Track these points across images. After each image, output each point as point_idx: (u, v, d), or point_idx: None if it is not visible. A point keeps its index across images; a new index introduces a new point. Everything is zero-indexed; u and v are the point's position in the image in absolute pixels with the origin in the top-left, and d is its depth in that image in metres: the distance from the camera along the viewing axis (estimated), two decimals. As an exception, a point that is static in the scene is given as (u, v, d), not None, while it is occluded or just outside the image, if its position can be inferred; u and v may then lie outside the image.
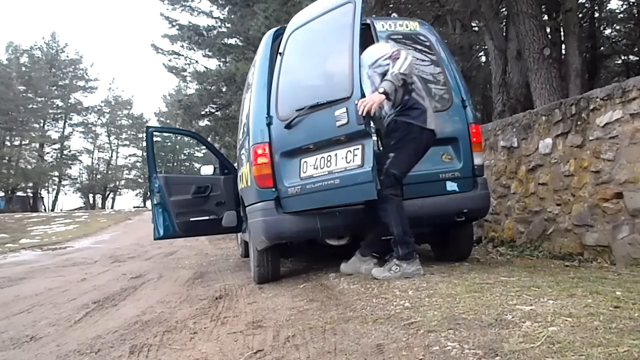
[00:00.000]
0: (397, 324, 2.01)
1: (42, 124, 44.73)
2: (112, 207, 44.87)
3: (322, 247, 3.82)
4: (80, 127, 47.57)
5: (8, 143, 42.08)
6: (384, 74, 3.06)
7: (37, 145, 43.82)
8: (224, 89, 14.65)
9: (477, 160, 3.57)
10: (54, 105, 45.57)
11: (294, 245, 3.93)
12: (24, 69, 42.84)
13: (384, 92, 2.93)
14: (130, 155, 50.30)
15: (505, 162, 5.08)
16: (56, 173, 45.07)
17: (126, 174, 49.86)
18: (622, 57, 13.51)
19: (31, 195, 43.45)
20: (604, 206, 3.64)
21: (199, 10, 16.54)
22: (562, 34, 9.04)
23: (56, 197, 45.76)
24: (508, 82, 8.55)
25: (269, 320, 2.53)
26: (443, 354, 1.60)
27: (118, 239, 13.53)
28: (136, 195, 51.46)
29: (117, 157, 50.01)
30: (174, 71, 17.99)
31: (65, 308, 3.69)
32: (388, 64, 3.07)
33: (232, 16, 14.97)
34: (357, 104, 2.91)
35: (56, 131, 46.03)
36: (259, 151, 3.42)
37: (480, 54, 13.43)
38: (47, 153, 45.46)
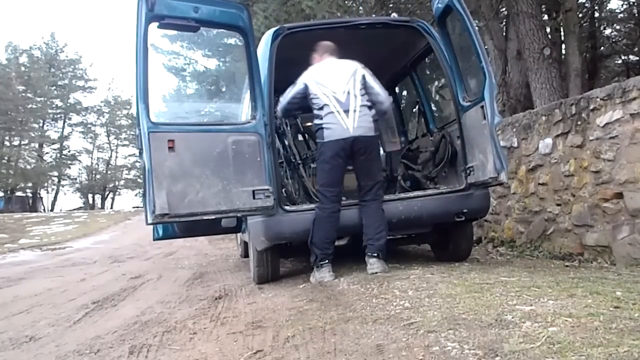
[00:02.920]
0: (397, 324, 2.01)
1: (41, 124, 44.65)
2: (111, 207, 44.77)
3: None
4: (79, 127, 47.49)
5: (7, 143, 42.03)
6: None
7: (37, 145, 43.75)
8: (223, 89, 14.64)
9: None
10: (54, 105, 45.49)
11: (293, 246, 3.92)
12: (23, 68, 42.77)
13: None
14: (129, 155, 50.16)
15: (505, 162, 5.07)
16: (55, 173, 44.99)
17: (125, 174, 49.72)
18: (622, 57, 13.50)
19: (30, 195, 43.38)
20: (604, 206, 3.64)
21: (198, 10, 16.49)
22: (562, 33, 9.03)
23: (55, 197, 45.70)
24: (508, 82, 8.54)
25: (268, 321, 2.52)
26: (443, 354, 1.60)
27: (117, 239, 13.52)
28: (136, 195, 51.29)
29: (116, 157, 49.91)
30: (173, 71, 17.99)
31: (64, 308, 3.69)
32: None
33: (232, 16, 14.92)
34: None
35: (55, 131, 45.98)
36: None
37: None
38: (47, 153, 45.39)
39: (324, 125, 3.41)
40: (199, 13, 3.18)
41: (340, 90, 3.45)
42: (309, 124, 4.03)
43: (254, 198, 3.20)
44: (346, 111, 3.40)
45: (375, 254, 3.31)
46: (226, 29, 3.67)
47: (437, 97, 4.98)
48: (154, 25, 3.11)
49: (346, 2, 9.81)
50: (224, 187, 3.14)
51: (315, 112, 3.49)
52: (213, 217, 3.17)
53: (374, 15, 8.69)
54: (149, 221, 3.01)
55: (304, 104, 3.65)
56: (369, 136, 3.45)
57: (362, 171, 3.48)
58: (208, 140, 3.20)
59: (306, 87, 3.53)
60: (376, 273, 3.20)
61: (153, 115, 3.05)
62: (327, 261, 3.38)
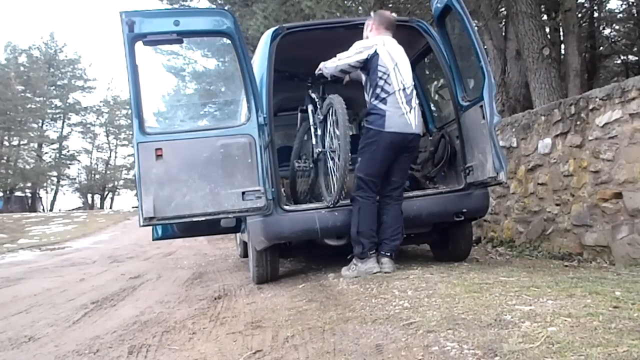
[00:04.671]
0: (396, 324, 2.01)
1: (40, 124, 44.63)
2: (110, 207, 44.74)
3: (321, 248, 3.81)
4: (78, 127, 47.47)
5: (6, 143, 42.01)
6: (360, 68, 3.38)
7: (36, 145, 43.72)
8: (223, 89, 14.64)
9: None
10: (53, 105, 45.47)
11: (293, 246, 3.92)
12: (22, 68, 42.75)
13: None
14: (129, 155, 50.03)
15: (504, 162, 5.07)
16: (55, 173, 44.96)
17: (125, 174, 49.66)
18: (622, 57, 13.51)
19: (30, 195, 43.37)
20: (603, 206, 3.64)
21: (198, 10, 16.49)
22: (561, 33, 9.04)
23: (55, 197, 45.66)
24: (507, 81, 8.55)
25: (268, 321, 2.52)
26: (442, 354, 1.60)
27: (117, 239, 13.52)
28: (135, 195, 51.27)
29: (115, 157, 49.86)
30: (172, 71, 17.98)
31: (63, 308, 3.69)
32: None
33: (231, 16, 14.94)
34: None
35: (55, 131, 45.95)
36: None
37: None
38: (46, 153, 45.36)
39: (386, 113, 3.20)
40: (180, 26, 3.26)
41: (408, 81, 3.30)
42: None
43: (243, 199, 3.25)
44: (409, 103, 3.26)
45: (389, 254, 3.27)
46: (212, 36, 3.74)
47: (436, 97, 4.97)
48: (140, 44, 3.26)
49: (346, 2, 9.81)
50: (211, 190, 3.25)
51: (375, 91, 3.25)
52: (201, 219, 3.25)
53: (373, 15, 8.69)
54: (140, 224, 3.24)
55: (351, 74, 3.53)
56: (421, 136, 3.48)
57: (400, 168, 3.38)
58: (196, 145, 3.32)
59: (377, 58, 3.26)
60: (387, 272, 3.15)
61: (146, 125, 3.30)
62: (374, 251, 3.25)
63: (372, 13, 3.56)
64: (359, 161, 3.32)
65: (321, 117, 3.74)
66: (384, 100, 3.23)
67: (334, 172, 3.45)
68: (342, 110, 3.28)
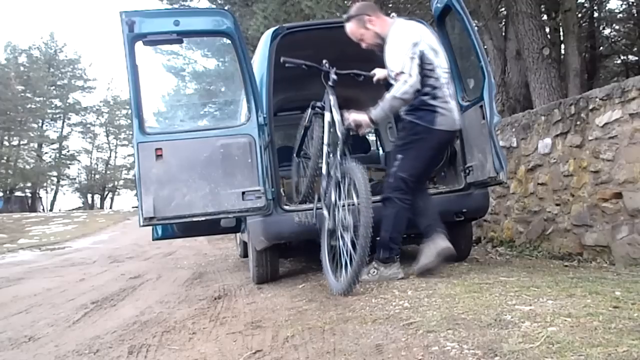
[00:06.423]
0: (396, 324, 2.01)
1: (40, 124, 44.66)
2: (110, 207, 44.76)
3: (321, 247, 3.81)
4: (78, 127, 47.51)
5: (6, 143, 42.02)
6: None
7: (36, 145, 43.75)
8: (223, 89, 14.65)
9: None
10: (53, 105, 45.50)
11: (293, 246, 3.92)
12: (22, 68, 42.78)
13: (370, 119, 2.90)
14: (129, 155, 50.06)
15: (504, 162, 5.08)
16: (55, 173, 45.00)
17: (125, 174, 49.70)
18: (622, 57, 13.52)
19: (29, 195, 43.39)
20: (603, 206, 3.64)
21: (198, 10, 16.50)
22: (561, 33, 9.05)
23: (55, 197, 45.71)
24: (507, 82, 8.56)
25: (268, 321, 2.52)
26: (442, 354, 1.60)
27: (117, 239, 13.52)
28: (135, 195, 51.27)
29: (115, 157, 49.90)
30: (172, 71, 17.99)
31: (63, 308, 3.69)
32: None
33: (231, 16, 14.95)
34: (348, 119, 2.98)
35: (55, 131, 45.99)
36: None
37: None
38: (46, 153, 45.41)
39: (438, 109, 2.92)
40: (180, 26, 3.25)
41: (448, 70, 3.06)
42: None
43: (243, 199, 3.24)
44: (452, 96, 3.04)
45: (444, 232, 3.04)
46: (212, 36, 3.72)
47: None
48: (140, 44, 3.25)
49: (346, 2, 9.81)
50: (211, 190, 3.24)
51: (423, 89, 2.90)
52: (201, 218, 3.25)
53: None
54: (140, 224, 3.24)
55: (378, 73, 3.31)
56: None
57: (434, 165, 3.27)
58: (196, 145, 3.31)
59: (422, 56, 2.90)
60: (449, 247, 2.94)
61: (146, 125, 3.29)
62: (398, 256, 3.04)
63: (354, 13, 3.12)
64: (400, 159, 2.98)
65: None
66: (433, 96, 2.92)
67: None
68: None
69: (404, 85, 2.81)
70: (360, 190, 2.69)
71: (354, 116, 2.96)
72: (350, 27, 3.12)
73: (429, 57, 2.91)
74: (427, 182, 3.30)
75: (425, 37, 2.98)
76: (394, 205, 2.95)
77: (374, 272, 2.99)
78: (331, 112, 3.19)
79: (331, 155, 3.17)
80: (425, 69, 2.89)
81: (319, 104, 3.39)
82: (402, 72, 2.82)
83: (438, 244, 2.94)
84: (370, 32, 3.06)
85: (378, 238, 2.95)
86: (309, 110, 3.51)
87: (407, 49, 2.85)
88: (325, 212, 3.08)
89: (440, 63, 2.97)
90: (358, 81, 3.50)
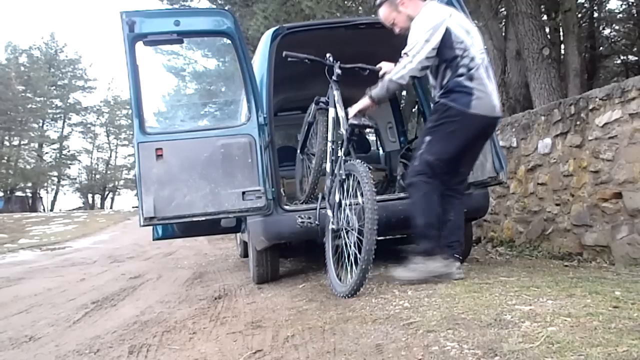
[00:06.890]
0: (396, 324, 2.01)
1: (41, 124, 44.68)
2: (111, 207, 44.76)
3: (322, 247, 3.81)
4: (79, 127, 47.54)
5: (7, 143, 42.04)
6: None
7: (36, 145, 43.77)
8: (223, 89, 14.64)
9: None
10: (53, 105, 45.53)
11: (293, 245, 3.92)
12: (23, 68, 42.80)
13: (371, 97, 2.83)
14: (129, 155, 50.05)
15: (504, 162, 5.08)
16: (55, 173, 45.02)
17: (125, 174, 49.71)
18: (622, 57, 13.50)
19: (30, 195, 43.42)
20: (603, 206, 3.64)
21: (198, 10, 16.49)
22: (561, 34, 9.04)
23: (55, 197, 45.72)
24: (507, 82, 8.55)
25: (268, 321, 2.53)
26: (442, 354, 1.60)
27: (117, 239, 13.53)
28: (135, 195, 51.22)
29: (116, 157, 49.92)
30: (173, 71, 17.99)
31: (64, 308, 3.69)
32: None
33: (231, 16, 14.96)
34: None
35: (55, 131, 46.02)
36: None
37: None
38: (46, 153, 45.43)
39: (474, 91, 2.69)
40: (181, 26, 3.26)
41: (484, 51, 2.82)
42: None
43: (243, 199, 3.24)
44: (490, 79, 2.79)
45: (462, 258, 2.93)
46: (212, 36, 3.72)
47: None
48: (141, 44, 3.25)
49: (346, 2, 9.81)
50: (211, 190, 3.24)
51: (457, 71, 2.72)
52: (201, 218, 3.26)
53: (373, 16, 8.71)
54: (141, 224, 3.24)
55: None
56: (501, 119, 3.04)
57: (471, 156, 2.95)
58: (196, 145, 3.32)
59: (450, 34, 2.72)
60: (459, 279, 2.72)
61: (147, 125, 3.29)
62: (439, 248, 2.75)
63: None
64: (428, 141, 2.77)
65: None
66: (469, 77, 2.71)
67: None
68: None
69: (403, 69, 2.74)
70: (365, 189, 2.59)
71: (356, 106, 2.86)
72: (383, 12, 3.01)
73: (458, 35, 2.73)
74: (463, 185, 3.02)
75: (455, 16, 2.83)
76: (418, 188, 2.73)
77: (413, 267, 2.70)
78: (335, 108, 3.09)
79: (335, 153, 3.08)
80: (455, 47, 2.72)
81: (323, 99, 3.29)
82: (406, 54, 2.74)
83: (439, 265, 2.67)
84: (403, 15, 2.92)
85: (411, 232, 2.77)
86: (313, 105, 3.44)
87: (425, 30, 2.72)
88: (329, 212, 2.99)
89: (475, 42, 2.80)
90: (361, 80, 3.45)
